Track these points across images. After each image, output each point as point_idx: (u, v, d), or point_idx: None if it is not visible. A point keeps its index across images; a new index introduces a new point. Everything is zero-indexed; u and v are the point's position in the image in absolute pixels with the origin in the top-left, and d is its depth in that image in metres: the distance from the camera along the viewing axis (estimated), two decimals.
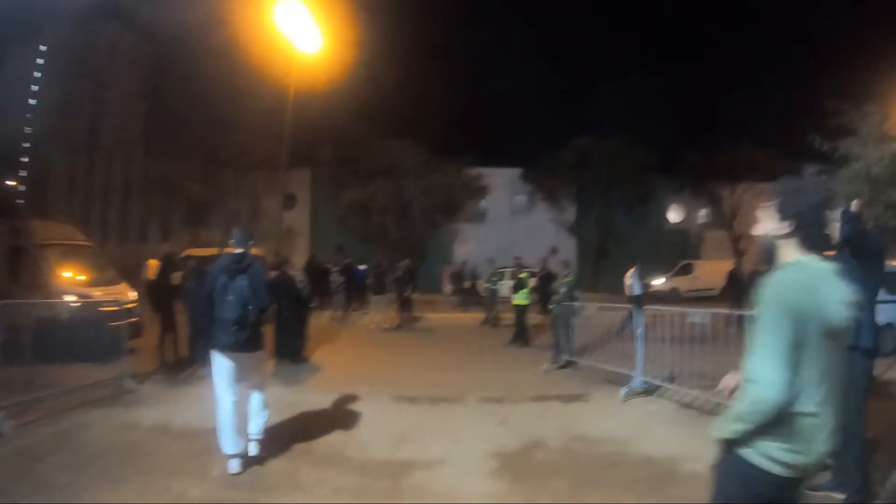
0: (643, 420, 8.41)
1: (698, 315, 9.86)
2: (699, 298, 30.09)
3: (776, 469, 2.64)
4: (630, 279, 17.12)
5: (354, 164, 37.63)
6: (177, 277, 13.09)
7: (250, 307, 6.24)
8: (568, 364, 12.28)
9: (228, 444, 6.26)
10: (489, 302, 20.63)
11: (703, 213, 47.36)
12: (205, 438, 7.00)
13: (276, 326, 12.64)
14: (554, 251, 38.36)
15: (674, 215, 47.45)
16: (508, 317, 18.08)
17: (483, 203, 43.72)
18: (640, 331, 9.77)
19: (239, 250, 6.57)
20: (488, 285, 20.78)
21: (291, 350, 12.95)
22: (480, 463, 6.78)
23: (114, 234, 50.98)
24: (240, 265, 6.40)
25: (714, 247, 43.50)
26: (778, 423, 2.60)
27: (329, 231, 40.23)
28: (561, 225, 42.28)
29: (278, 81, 27.46)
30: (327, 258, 27.10)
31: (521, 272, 16.35)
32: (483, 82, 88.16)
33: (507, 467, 6.62)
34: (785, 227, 2.80)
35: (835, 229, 4.45)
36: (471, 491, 6.05)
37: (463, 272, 30.04)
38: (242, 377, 6.45)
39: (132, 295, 14.35)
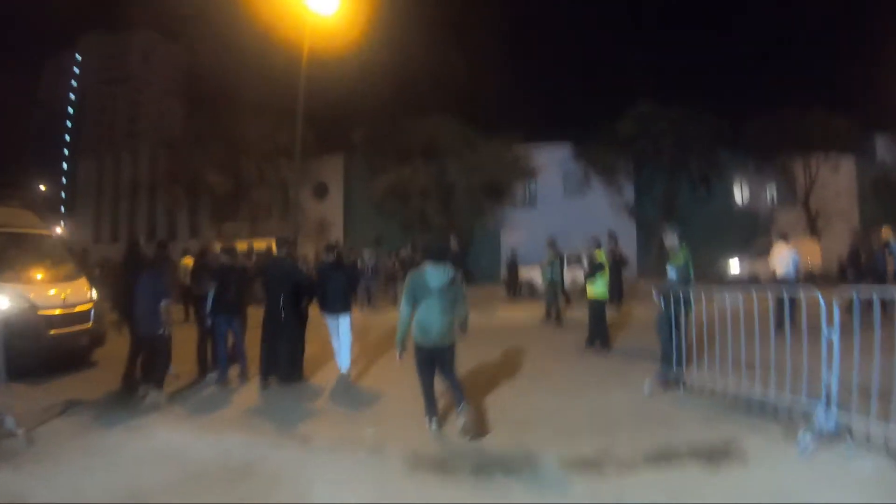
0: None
1: None
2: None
3: (422, 344, 6.92)
4: (782, 258, 13.38)
5: (389, 145, 34.24)
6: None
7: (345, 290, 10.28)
8: (673, 380, 8.59)
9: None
10: (550, 293, 16.58)
11: (772, 191, 42.64)
12: None
13: (267, 329, 9.65)
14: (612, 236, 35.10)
15: (741, 193, 42.77)
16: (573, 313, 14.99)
17: (532, 184, 39.97)
18: (832, 334, 5.95)
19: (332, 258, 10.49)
20: (548, 274, 16.55)
21: (286, 364, 9.51)
22: None
23: (143, 233, 48.51)
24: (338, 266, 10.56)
25: (786, 227, 38.75)
26: (415, 326, 6.90)
27: (365, 221, 37.40)
28: (619, 207, 37.87)
29: (299, 56, 24.29)
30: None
31: (596, 250, 12.32)
32: (529, 48, 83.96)
33: None
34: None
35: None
36: None
37: (515, 261, 25.91)
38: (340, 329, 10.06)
39: (88, 294, 11.69)
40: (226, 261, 10.14)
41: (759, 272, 27.18)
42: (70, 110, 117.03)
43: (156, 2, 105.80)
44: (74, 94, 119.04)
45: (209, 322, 9.84)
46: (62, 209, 67.96)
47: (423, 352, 7.01)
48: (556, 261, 16.40)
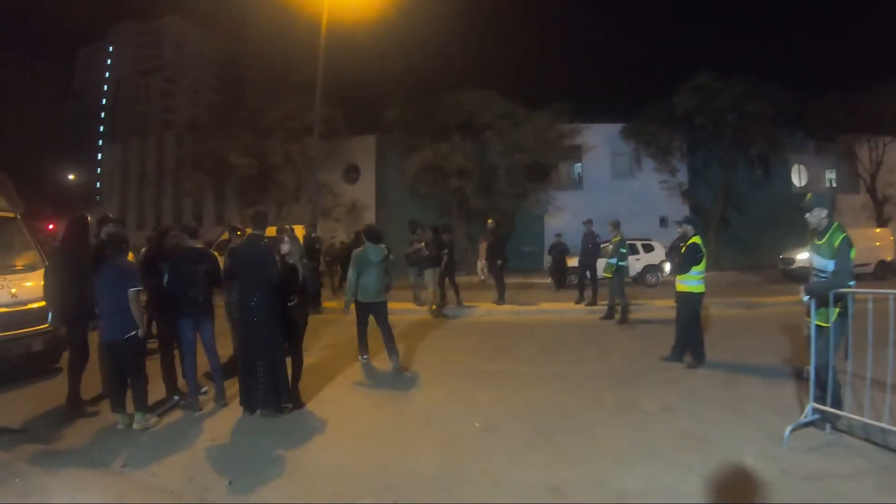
0: None
1: None
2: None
3: (363, 300, 9.33)
4: None
5: (424, 122, 31.98)
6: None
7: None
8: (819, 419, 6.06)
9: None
10: (615, 284, 13.87)
11: (831, 174, 39.43)
12: None
13: (240, 341, 7.71)
14: (664, 222, 33.22)
15: (799, 177, 39.45)
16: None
17: (578, 166, 37.52)
18: None
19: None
20: (613, 260, 13.80)
21: (266, 390, 7.07)
22: None
23: (169, 219, 46.96)
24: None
25: (848, 214, 35.39)
26: (359, 288, 9.27)
27: (400, 204, 34.66)
28: (673, 189, 35.05)
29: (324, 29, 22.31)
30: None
31: (691, 232, 9.44)
32: (578, 17, 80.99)
33: None
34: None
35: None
36: None
37: (561, 246, 22.98)
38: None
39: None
40: (187, 245, 7.58)
41: None
42: (104, 101, 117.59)
43: None
44: (108, 85, 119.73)
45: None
46: (97, 198, 66.95)
47: (362, 306, 9.45)
48: (624, 244, 13.70)
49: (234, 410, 7.20)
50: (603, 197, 33.82)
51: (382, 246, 9.53)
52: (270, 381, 6.93)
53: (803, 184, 38.66)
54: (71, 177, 66.16)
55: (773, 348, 9.85)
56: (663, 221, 33.33)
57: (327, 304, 15.80)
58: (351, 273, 9.32)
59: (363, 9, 23.03)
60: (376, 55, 30.12)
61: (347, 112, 33.91)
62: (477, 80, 31.87)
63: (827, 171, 39.46)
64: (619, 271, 13.65)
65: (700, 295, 9.05)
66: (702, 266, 8.93)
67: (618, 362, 9.51)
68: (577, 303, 16.03)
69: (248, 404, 7.05)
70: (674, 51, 78.24)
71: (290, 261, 7.58)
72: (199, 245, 7.70)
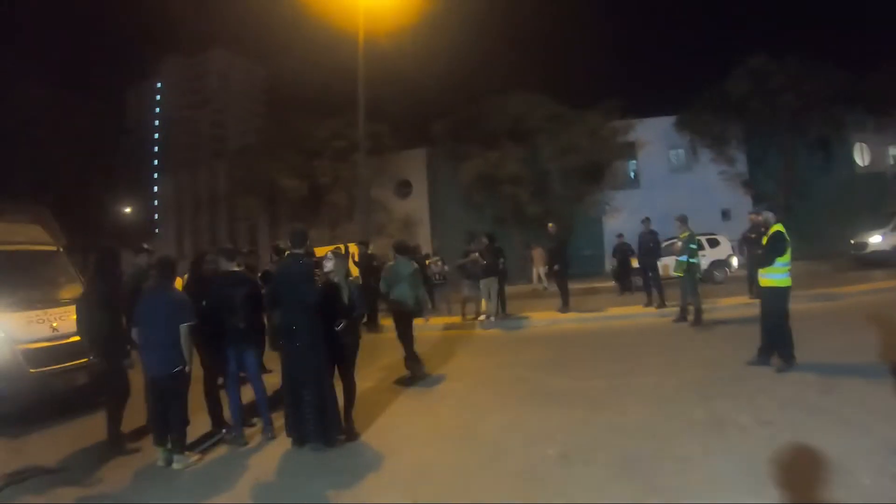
0: None
1: None
2: None
3: (404, 309, 9.67)
4: None
5: (473, 131, 31.58)
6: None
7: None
8: None
9: None
10: (687, 283, 12.90)
11: (894, 151, 37.67)
12: None
13: (282, 369, 6.86)
14: (726, 214, 32.98)
15: (862, 156, 37.73)
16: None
17: (633, 163, 36.76)
18: None
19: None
20: (683, 258, 12.84)
21: (313, 421, 6.54)
22: None
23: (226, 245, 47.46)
24: None
25: None
26: (398, 299, 9.67)
27: (454, 217, 34.46)
28: (733, 180, 33.92)
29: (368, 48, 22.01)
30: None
31: (773, 220, 8.57)
32: (622, 9, 79.80)
33: None
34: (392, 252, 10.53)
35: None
36: None
37: (626, 248, 21.89)
38: None
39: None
40: (225, 269, 7.08)
41: None
42: (156, 136, 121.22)
43: (223, 20, 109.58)
44: (158, 119, 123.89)
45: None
46: (155, 230, 68.35)
47: (405, 314, 9.73)
48: (693, 239, 12.78)
49: (282, 444, 6.71)
50: (661, 193, 33.08)
51: (412, 260, 10.31)
52: (318, 411, 6.38)
53: (867, 163, 37.09)
54: (127, 210, 67.87)
55: (867, 344, 8.92)
56: (725, 214, 32.62)
57: (385, 320, 15.26)
58: (382, 287, 9.88)
59: (399, 21, 22.75)
60: (417, 67, 29.90)
61: (395, 126, 33.70)
62: (522, 83, 31.29)
63: (890, 148, 37.75)
64: (691, 269, 12.64)
65: (787, 289, 8.17)
66: (787, 257, 8.08)
67: (700, 370, 8.61)
68: (645, 305, 15.26)
69: (296, 437, 6.55)
70: (721, 35, 76.39)
71: (335, 279, 7.01)
72: (236, 268, 7.20)
